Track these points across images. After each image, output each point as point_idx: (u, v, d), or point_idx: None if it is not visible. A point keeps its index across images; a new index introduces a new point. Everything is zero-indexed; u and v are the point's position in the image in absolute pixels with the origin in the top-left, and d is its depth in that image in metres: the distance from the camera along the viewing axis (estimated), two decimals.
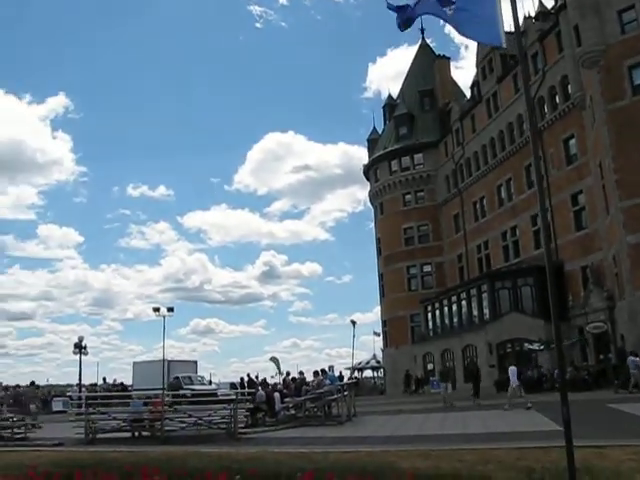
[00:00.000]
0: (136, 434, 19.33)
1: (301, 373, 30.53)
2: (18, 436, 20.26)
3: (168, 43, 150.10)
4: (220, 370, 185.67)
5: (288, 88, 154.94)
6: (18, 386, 43.69)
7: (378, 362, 65.80)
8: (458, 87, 63.83)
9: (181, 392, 32.08)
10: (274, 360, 56.15)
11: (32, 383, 38.46)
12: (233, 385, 35.15)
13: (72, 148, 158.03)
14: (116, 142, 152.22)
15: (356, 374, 64.83)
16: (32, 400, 28.17)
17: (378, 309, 64.62)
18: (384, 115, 67.13)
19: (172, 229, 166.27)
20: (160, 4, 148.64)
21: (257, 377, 36.98)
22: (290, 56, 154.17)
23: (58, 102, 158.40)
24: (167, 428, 18.82)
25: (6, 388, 39.20)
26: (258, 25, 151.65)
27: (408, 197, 60.17)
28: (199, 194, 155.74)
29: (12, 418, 22.03)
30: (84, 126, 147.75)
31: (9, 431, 20.61)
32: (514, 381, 25.00)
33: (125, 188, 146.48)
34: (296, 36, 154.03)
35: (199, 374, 45.89)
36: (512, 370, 25.59)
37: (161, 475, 7.78)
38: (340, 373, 37.26)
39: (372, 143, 66.33)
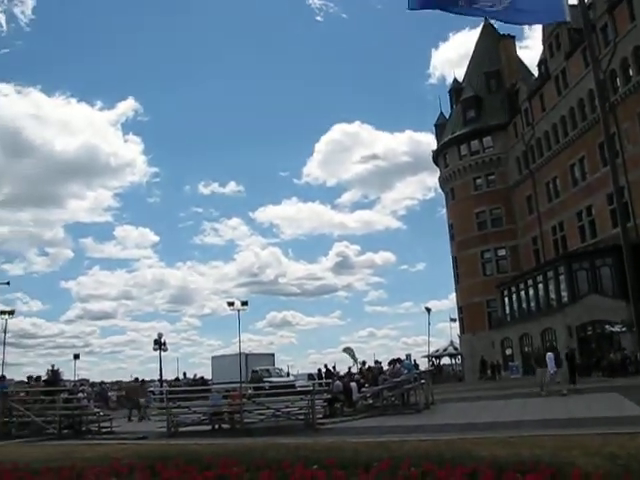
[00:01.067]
0: (216, 427, 19.68)
1: (377, 362, 30.57)
2: (104, 430, 20.92)
3: (230, 41, 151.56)
4: (298, 362, 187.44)
5: (352, 79, 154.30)
6: (103, 382, 45.23)
7: (455, 349, 65.30)
8: (525, 66, 62.47)
9: (260, 384, 32.62)
10: (348, 351, 56.30)
11: (136, 379, 39.71)
12: (311, 376, 35.51)
13: (143, 150, 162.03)
14: (185, 141, 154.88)
15: (434, 362, 64.50)
16: (140, 395, 28.98)
17: (453, 296, 64.08)
18: (450, 99, 66.35)
19: (244, 224, 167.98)
20: (221, 3, 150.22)
21: (334, 368, 37.28)
22: (352, 47, 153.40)
23: (127, 106, 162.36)
24: (246, 420, 19.10)
25: (92, 384, 40.62)
26: (318, 18, 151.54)
27: (479, 181, 59.33)
28: (269, 189, 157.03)
29: (99, 412, 22.80)
30: (154, 128, 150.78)
31: (96, 425, 21.32)
32: (552, 367, 24.57)
33: (196, 186, 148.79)
34: (357, 27, 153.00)
35: (277, 366, 46.52)
36: (549, 356, 25.17)
37: (239, 466, 7.89)
38: (414, 361, 37.12)
39: (440, 128, 65.63)
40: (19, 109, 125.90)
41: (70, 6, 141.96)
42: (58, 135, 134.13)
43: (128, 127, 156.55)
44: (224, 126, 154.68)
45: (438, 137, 65.37)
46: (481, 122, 59.28)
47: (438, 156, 64.73)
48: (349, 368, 42.55)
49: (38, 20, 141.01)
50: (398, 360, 25.67)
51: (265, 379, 38.02)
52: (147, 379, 36.90)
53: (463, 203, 60.12)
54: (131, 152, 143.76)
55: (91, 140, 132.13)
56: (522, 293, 50.05)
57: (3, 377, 30.03)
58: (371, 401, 23.54)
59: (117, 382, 70.31)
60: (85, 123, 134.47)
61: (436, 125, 67.03)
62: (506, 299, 53.16)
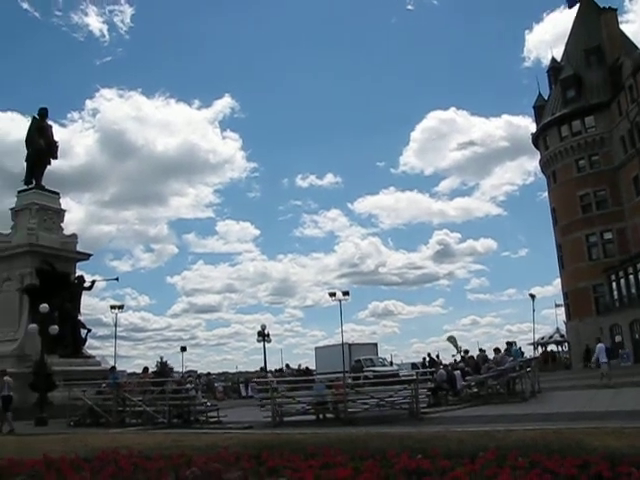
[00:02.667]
0: (320, 416, 19.87)
1: (481, 350, 30.12)
2: (212, 419, 21.50)
3: (322, 33, 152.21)
4: (401, 351, 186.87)
5: (446, 65, 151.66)
6: (209, 374, 46.45)
7: (562, 336, 63.48)
8: (628, 40, 59.36)
9: (363, 374, 32.72)
10: (451, 339, 55.70)
11: (262, 369, 40.79)
12: (414, 365, 35.27)
13: (241, 146, 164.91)
14: (282, 135, 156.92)
15: (539, 349, 62.96)
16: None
17: (558, 281, 62.27)
18: (549, 80, 64.06)
19: (343, 215, 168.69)
20: None
21: (438, 356, 36.99)
22: (444, 33, 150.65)
23: (224, 104, 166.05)
24: (350, 410, 19.19)
25: (199, 376, 41.81)
26: (409, 7, 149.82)
27: (582, 163, 57.14)
28: (367, 179, 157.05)
29: (206, 403, 23.45)
30: (250, 124, 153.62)
31: (204, 415, 21.94)
32: (602, 357, 23.72)
33: (294, 179, 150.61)
34: (448, 12, 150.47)
35: (380, 356, 46.53)
36: (600, 348, 24.17)
37: (343, 455, 7.93)
38: (520, 348, 36.33)
39: (539, 110, 63.48)
40: (122, 112, 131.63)
41: (164, 10, 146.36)
42: (159, 135, 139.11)
43: (225, 124, 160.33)
44: (319, 119, 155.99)
45: (537, 119, 63.34)
46: (582, 101, 56.96)
47: (538, 139, 62.80)
48: (453, 357, 42.10)
49: (136, 27, 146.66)
50: (509, 344, 25.11)
51: (368, 368, 38.09)
52: (251, 370, 37.60)
53: (566, 186, 58.12)
54: (229, 148, 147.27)
55: (190, 138, 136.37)
56: (631, 277, 48.10)
57: (113, 368, 31.38)
58: (475, 390, 23.22)
59: (223, 373, 72.24)
60: (184, 122, 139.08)
61: (535, 107, 64.87)
62: (614, 284, 51.21)
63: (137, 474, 6.52)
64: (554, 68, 62.60)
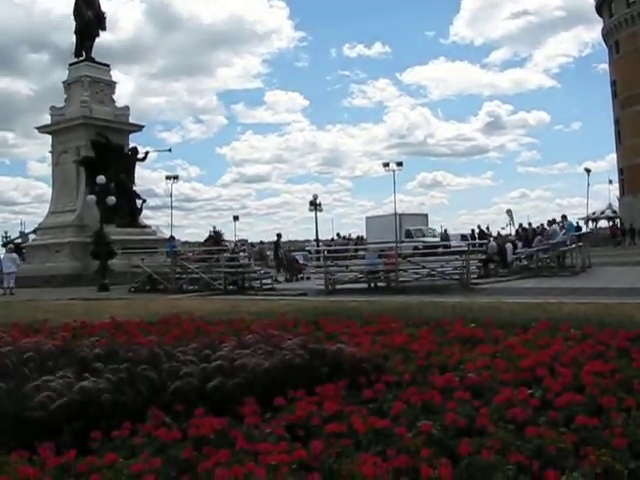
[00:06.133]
0: (372, 285, 20.27)
1: (530, 225, 29.99)
2: (266, 287, 22.14)
3: None
4: (449, 222, 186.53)
5: None
6: (262, 242, 47.32)
7: (614, 212, 62.53)
8: None
9: (413, 244, 32.97)
10: (509, 213, 55.61)
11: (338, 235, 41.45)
12: (464, 237, 35.22)
13: (289, 15, 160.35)
14: (329, 4, 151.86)
15: (590, 224, 62.33)
16: None
17: (611, 157, 60.96)
18: None
19: (392, 85, 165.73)
20: None
21: (487, 229, 36.89)
22: None
23: None
24: (401, 279, 19.53)
25: (252, 244, 42.64)
26: None
27: None
28: (415, 49, 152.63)
29: (260, 271, 24.08)
30: None
31: (258, 282, 22.60)
32: None
33: (342, 49, 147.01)
34: None
35: (430, 227, 46.67)
36: None
37: (398, 322, 8.18)
38: (577, 223, 35.95)
39: None
40: None
41: None
42: (205, 6, 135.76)
43: None
44: None
45: None
46: None
47: (602, 6, 59.65)
48: (502, 229, 41.90)
49: None
50: (564, 217, 24.90)
51: (418, 239, 38.34)
52: (301, 239, 38.04)
53: (630, 57, 55.54)
54: (277, 18, 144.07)
55: (237, 9, 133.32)
56: None
57: (172, 237, 32.24)
58: (526, 262, 23.31)
59: (251, 243, 73.48)
60: None
61: None
62: None
63: (200, 337, 6.84)
64: None
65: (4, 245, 44.55)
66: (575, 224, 30.35)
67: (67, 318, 9.95)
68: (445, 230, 38.57)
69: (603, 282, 17.90)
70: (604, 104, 60.57)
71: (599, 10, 60.96)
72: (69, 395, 4.02)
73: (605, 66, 61.28)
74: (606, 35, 59.70)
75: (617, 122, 58.65)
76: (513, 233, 35.95)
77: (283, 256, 28.09)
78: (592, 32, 59.37)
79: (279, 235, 30.84)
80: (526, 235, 26.22)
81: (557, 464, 3.18)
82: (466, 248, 21.37)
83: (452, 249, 25.93)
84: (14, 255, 27.12)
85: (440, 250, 26.97)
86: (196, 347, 5.42)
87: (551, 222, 25.13)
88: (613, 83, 59.17)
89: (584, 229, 39.03)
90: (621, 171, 58.64)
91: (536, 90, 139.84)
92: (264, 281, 22.73)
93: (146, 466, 3.19)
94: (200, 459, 3.30)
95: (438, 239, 39.33)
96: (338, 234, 44.56)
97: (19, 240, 45.35)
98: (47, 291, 22.23)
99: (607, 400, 4.02)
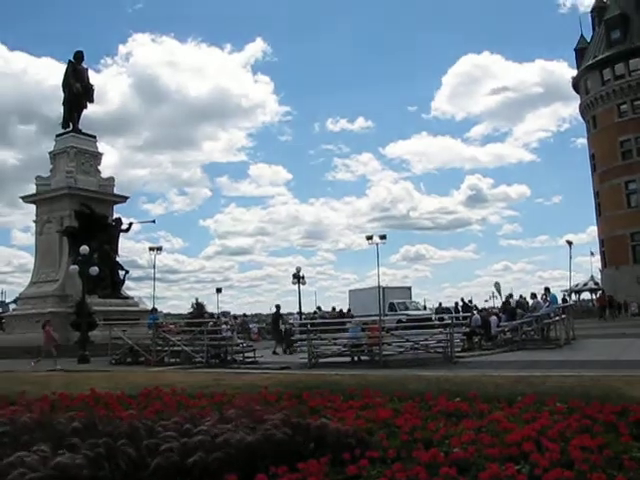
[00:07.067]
0: (355, 358, 20.09)
1: (510, 296, 30.04)
2: (248, 360, 21.88)
3: None
4: (433, 295, 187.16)
5: (479, 8, 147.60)
6: (245, 315, 47.07)
7: (596, 284, 62.93)
8: None
9: (397, 317, 32.91)
10: (497, 286, 55.94)
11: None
12: (447, 310, 35.09)
13: (274, 90, 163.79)
14: (313, 80, 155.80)
15: (573, 296, 62.58)
16: None
17: (592, 229, 61.84)
18: (592, 21, 62.10)
19: (375, 159, 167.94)
20: None
21: (471, 301, 36.94)
22: None
23: (256, 47, 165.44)
24: (385, 352, 19.39)
25: (235, 317, 42.39)
26: None
27: (624, 107, 55.83)
28: (398, 124, 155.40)
29: (242, 344, 23.84)
30: (282, 68, 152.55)
31: (241, 355, 22.34)
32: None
33: (325, 123, 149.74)
34: None
35: (413, 300, 46.69)
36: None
37: (382, 397, 8.08)
38: (564, 296, 35.99)
39: (580, 53, 61.81)
40: (155, 57, 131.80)
41: None
42: (191, 80, 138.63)
43: (257, 68, 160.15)
44: (350, 63, 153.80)
45: (578, 62, 61.74)
46: (627, 43, 55.21)
47: (578, 82, 61.35)
48: (486, 301, 41.93)
49: None
50: (547, 290, 24.95)
51: (402, 312, 38.29)
52: (284, 312, 37.78)
53: (606, 132, 56.94)
54: (261, 93, 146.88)
55: (222, 83, 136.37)
56: None
57: (155, 309, 32.02)
58: (510, 335, 23.28)
59: (256, 315, 73.18)
60: (216, 67, 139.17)
61: (576, 50, 63.18)
62: None
63: (181, 411, 6.71)
64: (598, 8, 60.64)
65: None
66: (562, 297, 30.43)
67: (45, 390, 9.75)
68: (440, 303, 38.55)
69: (588, 355, 17.88)
70: (583, 177, 61.98)
71: (575, 87, 62.73)
72: (44, 471, 3.90)
73: (583, 140, 62.98)
74: (583, 111, 61.28)
75: (597, 195, 59.67)
76: (499, 305, 35.92)
77: (284, 329, 27.32)
78: (569, 108, 61.62)
79: (278, 307, 30.28)
80: (510, 308, 26.23)
81: None
82: (450, 321, 21.29)
83: (436, 322, 25.88)
84: None
85: (425, 323, 26.88)
86: (177, 421, 5.31)
87: (534, 295, 25.21)
88: (592, 157, 60.43)
89: (568, 301, 38.99)
90: (602, 243, 59.31)
91: (516, 164, 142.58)
92: (247, 354, 22.48)
93: None
94: None
95: (422, 312, 39.32)
96: (319, 307, 44.46)
97: None
98: (26, 362, 21.84)
99: (597, 477, 3.97)
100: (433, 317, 32.24)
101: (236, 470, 4.23)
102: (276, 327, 28.29)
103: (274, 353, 24.14)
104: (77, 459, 4.08)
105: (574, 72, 63.26)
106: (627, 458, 4.46)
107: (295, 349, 22.63)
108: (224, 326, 26.46)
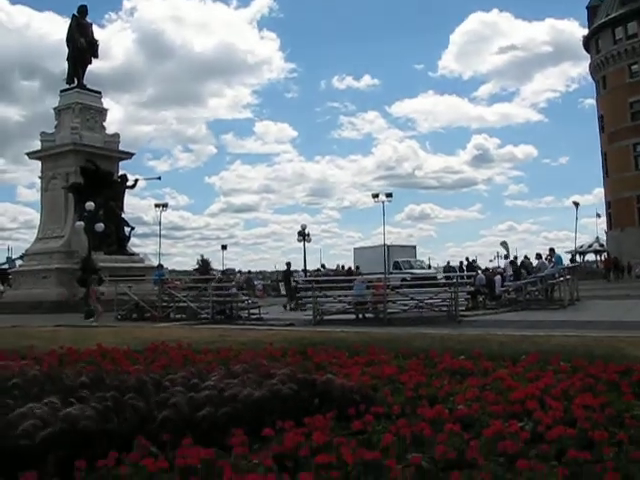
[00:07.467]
0: (359, 316, 20.22)
1: (515, 258, 30.09)
2: (253, 316, 22.03)
3: None
4: (437, 254, 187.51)
5: None
6: (250, 272, 47.25)
7: (601, 245, 62.88)
8: None
9: (401, 275, 32.94)
10: (504, 245, 56.06)
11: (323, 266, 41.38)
12: (451, 268, 35.04)
13: (280, 46, 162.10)
14: (319, 36, 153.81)
15: (578, 258, 62.62)
16: None
17: (598, 191, 61.69)
18: None
19: (381, 117, 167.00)
20: None
21: (475, 261, 36.99)
22: None
23: (262, 3, 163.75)
24: (389, 310, 19.48)
25: (240, 273, 42.56)
26: None
27: (635, 67, 55.09)
28: (404, 82, 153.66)
29: (247, 300, 23.97)
30: (288, 24, 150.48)
31: (246, 312, 22.49)
32: None
33: (331, 81, 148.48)
34: None
35: (418, 258, 46.78)
36: None
37: (387, 354, 8.15)
38: (572, 257, 35.91)
39: (592, 11, 60.76)
40: (159, 13, 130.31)
41: None
42: (196, 35, 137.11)
43: (263, 24, 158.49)
44: (357, 20, 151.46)
45: (590, 20, 60.77)
46: None
47: (589, 42, 60.48)
48: (490, 261, 42.00)
49: None
50: (551, 251, 24.92)
51: (406, 271, 38.33)
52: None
53: (616, 92, 56.26)
54: (267, 49, 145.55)
55: (228, 39, 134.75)
56: None
57: (160, 265, 32.13)
58: (514, 295, 23.35)
59: (261, 272, 73.43)
60: (221, 22, 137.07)
61: (588, 8, 62.12)
62: None
63: (187, 366, 6.78)
64: None
65: None
66: (570, 258, 30.38)
67: (53, 345, 9.84)
68: (448, 262, 38.56)
69: (592, 315, 17.92)
70: (591, 138, 61.47)
71: (586, 46, 61.86)
72: (55, 422, 3.96)
73: (591, 101, 62.32)
74: (593, 71, 60.51)
75: (604, 156, 59.23)
76: (502, 265, 35.95)
77: (295, 285, 27.42)
78: (579, 67, 60.78)
79: (289, 264, 30.38)
80: (515, 268, 26.28)
81: None
82: (454, 280, 21.32)
83: (441, 281, 25.93)
84: None
85: (430, 282, 26.92)
86: (184, 376, 5.37)
87: (539, 255, 25.22)
88: (600, 118, 59.86)
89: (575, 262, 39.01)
90: (608, 205, 59.08)
91: (523, 124, 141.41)
92: (251, 311, 22.62)
93: None
94: None
95: (426, 271, 39.39)
96: (323, 265, 44.49)
97: (6, 266, 45.06)
98: (33, 317, 22.02)
99: (599, 434, 4.00)
100: (439, 276, 32.25)
101: (243, 424, 4.28)
102: (288, 284, 28.51)
103: (288, 309, 24.18)
104: (86, 411, 4.13)
105: (585, 31, 62.46)
106: (629, 416, 4.53)
107: (302, 305, 22.74)
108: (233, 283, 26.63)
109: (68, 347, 9.30)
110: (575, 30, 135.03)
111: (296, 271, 36.97)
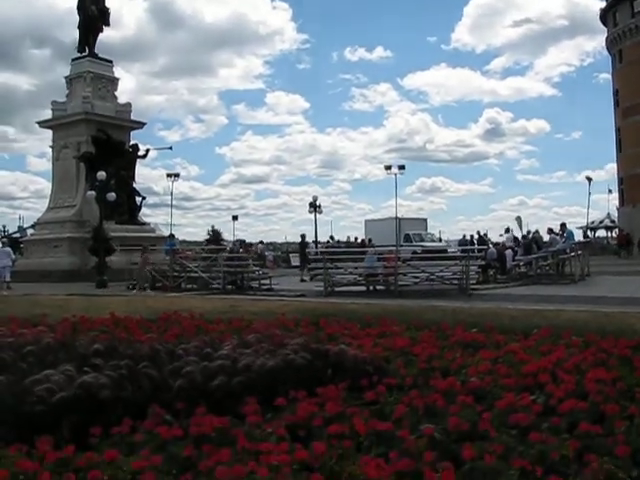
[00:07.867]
0: (370, 288, 20.24)
1: (529, 232, 29.95)
2: (264, 287, 22.10)
3: None
4: (448, 228, 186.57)
5: None
6: (261, 242, 47.31)
7: (613, 221, 62.46)
8: None
9: (412, 248, 32.91)
10: (518, 220, 55.83)
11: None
12: (465, 241, 34.94)
13: (292, 17, 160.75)
14: (332, 7, 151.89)
15: (589, 233, 62.31)
16: None
17: (610, 166, 60.96)
18: None
19: (393, 89, 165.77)
20: None
21: (486, 235, 36.85)
22: None
23: None
24: (400, 283, 19.50)
25: (250, 244, 42.63)
26: None
27: None
28: (417, 54, 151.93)
29: (258, 271, 24.04)
30: None
31: (257, 282, 22.57)
32: None
33: (343, 52, 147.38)
34: None
35: (429, 231, 46.69)
36: None
37: (399, 325, 8.16)
38: (585, 233, 35.72)
39: None
40: None
41: None
42: (208, 5, 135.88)
43: None
44: None
45: None
46: None
47: (606, 14, 59.47)
48: (500, 236, 41.91)
49: None
50: (563, 226, 24.81)
51: (417, 243, 38.27)
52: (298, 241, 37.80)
53: (632, 66, 55.37)
54: (280, 20, 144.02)
55: (240, 9, 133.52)
56: None
57: (172, 235, 32.22)
58: (525, 269, 23.29)
59: (271, 243, 73.58)
60: None
61: None
62: None
63: (200, 336, 6.82)
64: None
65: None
66: (582, 233, 30.18)
67: (66, 313, 9.91)
68: (464, 235, 38.44)
69: (602, 291, 17.86)
70: (604, 114, 60.79)
71: (603, 19, 60.96)
72: (70, 389, 4.00)
73: (606, 76, 61.43)
74: (610, 44, 59.68)
75: (618, 131, 58.59)
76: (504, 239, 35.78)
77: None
78: (593, 41, 60.20)
79: (303, 236, 30.51)
80: (526, 242, 26.19)
81: (560, 470, 3.18)
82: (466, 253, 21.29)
83: (452, 254, 25.89)
84: (8, 249, 26.99)
85: (441, 255, 26.91)
86: (197, 345, 5.41)
87: (550, 230, 25.13)
88: (615, 92, 59.13)
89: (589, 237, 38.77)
90: (621, 180, 58.57)
91: (536, 98, 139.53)
92: (262, 281, 22.69)
93: (147, 463, 3.17)
94: (201, 457, 3.28)
95: (437, 244, 39.33)
96: (332, 237, 44.51)
97: (17, 235, 45.29)
98: (45, 286, 22.17)
99: (610, 408, 4.02)
100: (450, 249, 32.21)
101: (257, 394, 4.31)
102: (303, 254, 28.68)
103: (308, 280, 24.35)
104: (101, 379, 4.17)
105: (601, 4, 61.39)
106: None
107: (315, 275, 22.77)
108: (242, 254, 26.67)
109: (81, 316, 9.36)
110: (591, 3, 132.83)
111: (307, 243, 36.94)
